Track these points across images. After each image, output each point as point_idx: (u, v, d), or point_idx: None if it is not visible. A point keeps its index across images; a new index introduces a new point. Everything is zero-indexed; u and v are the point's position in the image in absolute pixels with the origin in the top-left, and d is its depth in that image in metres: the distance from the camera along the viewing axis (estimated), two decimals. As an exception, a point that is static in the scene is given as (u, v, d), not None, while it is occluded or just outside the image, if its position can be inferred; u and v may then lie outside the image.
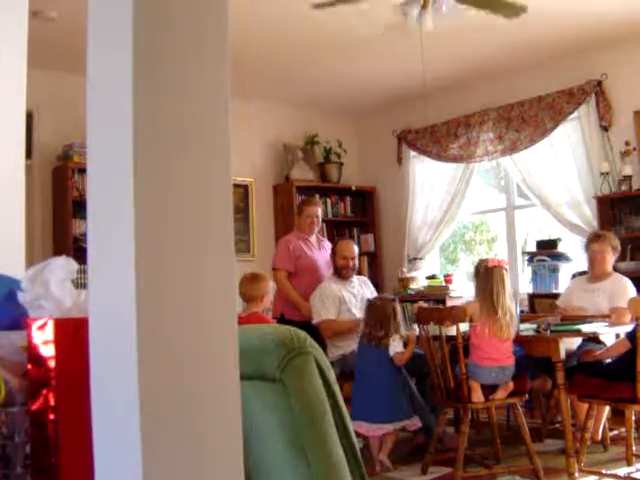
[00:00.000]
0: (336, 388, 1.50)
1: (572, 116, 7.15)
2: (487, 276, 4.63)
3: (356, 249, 6.16)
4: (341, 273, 6.00)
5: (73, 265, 1.48)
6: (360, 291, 5.93)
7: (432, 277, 7.98)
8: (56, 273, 1.42)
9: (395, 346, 4.91)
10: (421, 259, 8.41)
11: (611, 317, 5.03)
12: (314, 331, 5.61)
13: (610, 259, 5.48)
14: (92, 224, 1.19)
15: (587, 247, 5.66)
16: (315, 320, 5.76)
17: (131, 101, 1.08)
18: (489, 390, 4.56)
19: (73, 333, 1.33)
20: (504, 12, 4.99)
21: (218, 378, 1.16)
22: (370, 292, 6.08)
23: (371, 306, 5.15)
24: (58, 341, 1.33)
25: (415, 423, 4.94)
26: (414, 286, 7.88)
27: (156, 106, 1.11)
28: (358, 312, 5.68)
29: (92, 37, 1.18)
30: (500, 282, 4.57)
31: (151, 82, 1.11)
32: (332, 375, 1.50)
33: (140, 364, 1.06)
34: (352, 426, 4.33)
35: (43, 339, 1.34)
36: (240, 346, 1.27)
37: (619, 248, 5.53)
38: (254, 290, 4.99)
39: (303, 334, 1.49)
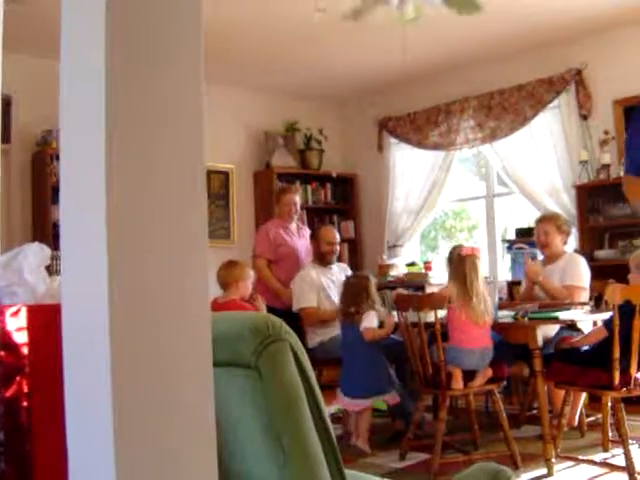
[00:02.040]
0: (311, 375, 1.51)
1: (552, 105, 7.17)
2: (460, 265, 4.68)
3: (337, 235, 6.18)
4: (325, 259, 6.01)
5: (47, 251, 1.47)
6: (339, 278, 5.93)
7: (412, 264, 8.00)
8: (30, 260, 1.42)
9: (367, 321, 4.93)
10: (401, 246, 8.43)
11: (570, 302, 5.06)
12: (294, 319, 5.62)
13: (556, 239, 5.49)
14: (65, 211, 1.18)
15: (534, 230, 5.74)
16: (295, 307, 5.77)
17: (104, 89, 1.07)
18: (467, 376, 4.58)
19: (47, 320, 1.32)
20: (460, 8, 5.02)
21: (191, 364, 1.16)
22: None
23: (347, 284, 5.19)
24: (32, 328, 1.32)
25: (394, 397, 4.98)
26: (394, 273, 7.90)
27: (129, 93, 1.11)
28: (337, 299, 5.69)
29: (65, 21, 1.18)
30: (473, 270, 4.62)
31: (125, 68, 1.10)
32: (307, 362, 1.51)
33: (112, 351, 1.06)
34: (338, 401, 4.37)
35: (16, 326, 1.33)
36: (215, 333, 1.27)
37: (566, 229, 5.54)
38: (228, 276, 5.04)
39: (278, 321, 1.49)
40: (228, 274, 5.05)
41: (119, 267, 1.08)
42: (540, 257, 5.78)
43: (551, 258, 5.53)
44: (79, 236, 1.15)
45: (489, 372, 4.60)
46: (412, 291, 7.21)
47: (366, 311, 4.97)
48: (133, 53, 1.11)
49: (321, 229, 6.22)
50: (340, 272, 6.08)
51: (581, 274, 5.34)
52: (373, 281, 5.21)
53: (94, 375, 1.11)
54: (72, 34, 1.17)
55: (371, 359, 4.96)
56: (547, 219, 5.62)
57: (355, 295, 5.03)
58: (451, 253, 4.92)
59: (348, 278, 5.34)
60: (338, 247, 6.16)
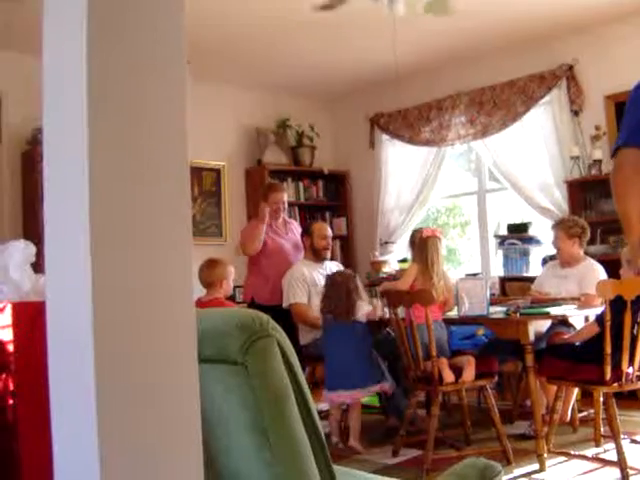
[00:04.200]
0: (299, 371, 1.50)
1: (543, 100, 7.18)
2: (422, 246, 4.94)
3: (330, 230, 6.23)
4: (319, 254, 6.04)
5: (32, 249, 1.46)
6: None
7: (404, 260, 8.00)
8: (15, 257, 1.41)
9: (363, 310, 5.02)
10: (393, 243, 8.43)
11: (580, 301, 5.07)
12: (285, 315, 5.61)
13: (568, 244, 5.46)
14: (49, 209, 1.18)
15: None
16: (285, 303, 5.77)
17: (85, 86, 1.06)
18: (458, 371, 4.59)
19: (32, 317, 1.31)
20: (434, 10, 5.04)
21: (175, 361, 1.16)
22: None
23: (332, 282, 5.18)
24: (17, 325, 1.31)
25: (387, 385, 5.02)
26: (386, 269, 7.90)
27: (111, 91, 1.10)
28: None
29: (47, 21, 1.17)
30: (434, 251, 4.89)
31: (106, 65, 1.10)
32: (295, 358, 1.50)
33: (97, 348, 1.06)
34: (328, 397, 4.38)
35: (2, 323, 1.32)
36: (202, 329, 1.27)
37: (577, 232, 5.49)
38: (211, 275, 5.01)
39: (265, 317, 1.48)
40: (211, 273, 5.03)
41: (103, 264, 1.07)
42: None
43: (567, 262, 5.52)
44: (63, 233, 1.15)
45: (472, 361, 4.62)
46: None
47: (357, 305, 5.03)
48: (114, 50, 1.11)
49: (314, 224, 6.24)
50: (334, 269, 6.08)
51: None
52: (357, 276, 5.30)
53: (79, 372, 1.10)
54: (54, 32, 1.16)
55: (360, 351, 4.98)
56: (557, 224, 5.59)
57: (345, 294, 5.05)
58: (413, 236, 5.09)
59: (333, 276, 5.31)
60: (331, 242, 6.18)
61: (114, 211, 1.09)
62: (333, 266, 6.18)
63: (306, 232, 6.16)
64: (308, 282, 5.79)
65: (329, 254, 6.16)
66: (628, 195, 2.67)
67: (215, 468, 1.52)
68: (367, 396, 5.08)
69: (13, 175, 6.80)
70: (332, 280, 5.22)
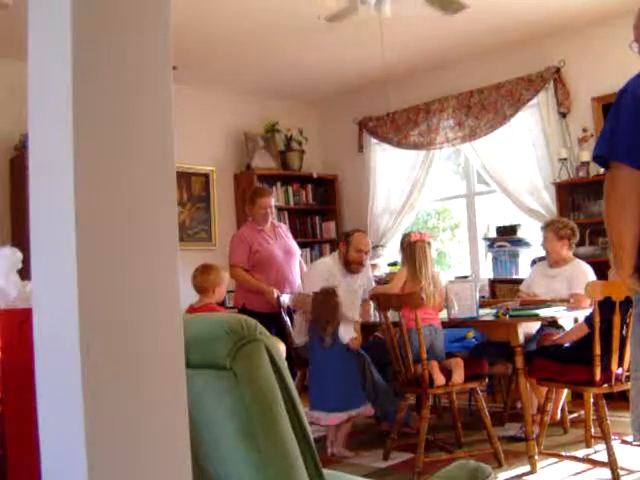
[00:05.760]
0: (287, 375, 1.50)
1: (531, 103, 7.21)
2: (411, 250, 4.94)
3: (370, 243, 5.88)
4: (350, 267, 5.64)
5: (18, 256, 1.46)
6: (352, 282, 5.67)
7: (394, 264, 8.00)
8: (1, 264, 1.40)
9: (348, 333, 4.95)
10: (383, 246, 8.43)
11: (570, 302, 5.08)
12: (275, 320, 5.58)
13: (557, 245, 5.47)
14: (34, 215, 1.17)
15: None
16: (302, 290, 5.61)
17: (71, 91, 1.06)
18: (448, 374, 4.59)
19: (19, 324, 1.31)
20: (442, 6, 5.07)
21: (163, 367, 1.15)
22: (367, 277, 5.92)
23: (314, 300, 5.13)
24: (3, 332, 1.31)
25: (368, 409, 5.00)
26: (376, 273, 7.90)
27: (96, 95, 1.10)
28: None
29: (32, 26, 1.17)
30: (422, 255, 4.90)
31: (91, 70, 1.09)
32: (283, 362, 1.50)
33: (83, 354, 1.06)
34: (310, 417, 4.32)
35: (-12, 330, 1.32)
36: (190, 335, 1.26)
37: (567, 234, 5.50)
38: (205, 281, 4.98)
39: (253, 322, 1.48)
40: (205, 279, 4.99)
41: (88, 270, 1.07)
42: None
43: (556, 262, 5.54)
44: (48, 240, 1.14)
45: (460, 362, 4.62)
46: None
47: (338, 325, 4.97)
48: (99, 55, 1.10)
49: (355, 233, 5.77)
50: (361, 279, 5.81)
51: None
52: (339, 294, 5.20)
53: (65, 378, 1.10)
54: (39, 38, 1.16)
55: (348, 370, 4.95)
56: (546, 226, 5.63)
57: (326, 312, 5.00)
58: (402, 240, 5.08)
59: (315, 295, 5.22)
60: (366, 256, 5.74)
61: (100, 217, 1.09)
62: (364, 278, 5.87)
63: (345, 237, 5.78)
64: (328, 279, 5.54)
65: (362, 269, 5.73)
66: (622, 220, 2.68)
67: (204, 473, 1.52)
68: (343, 419, 5.01)
69: (2, 181, 6.78)
70: (314, 299, 5.15)
